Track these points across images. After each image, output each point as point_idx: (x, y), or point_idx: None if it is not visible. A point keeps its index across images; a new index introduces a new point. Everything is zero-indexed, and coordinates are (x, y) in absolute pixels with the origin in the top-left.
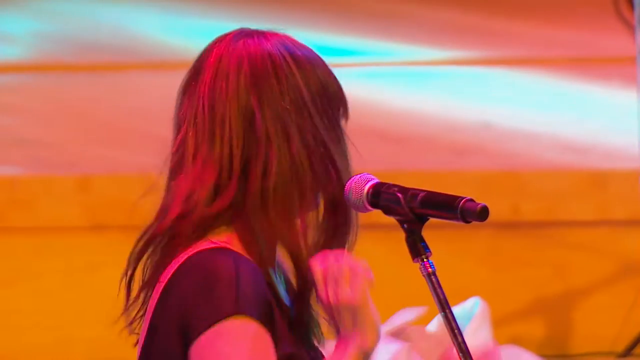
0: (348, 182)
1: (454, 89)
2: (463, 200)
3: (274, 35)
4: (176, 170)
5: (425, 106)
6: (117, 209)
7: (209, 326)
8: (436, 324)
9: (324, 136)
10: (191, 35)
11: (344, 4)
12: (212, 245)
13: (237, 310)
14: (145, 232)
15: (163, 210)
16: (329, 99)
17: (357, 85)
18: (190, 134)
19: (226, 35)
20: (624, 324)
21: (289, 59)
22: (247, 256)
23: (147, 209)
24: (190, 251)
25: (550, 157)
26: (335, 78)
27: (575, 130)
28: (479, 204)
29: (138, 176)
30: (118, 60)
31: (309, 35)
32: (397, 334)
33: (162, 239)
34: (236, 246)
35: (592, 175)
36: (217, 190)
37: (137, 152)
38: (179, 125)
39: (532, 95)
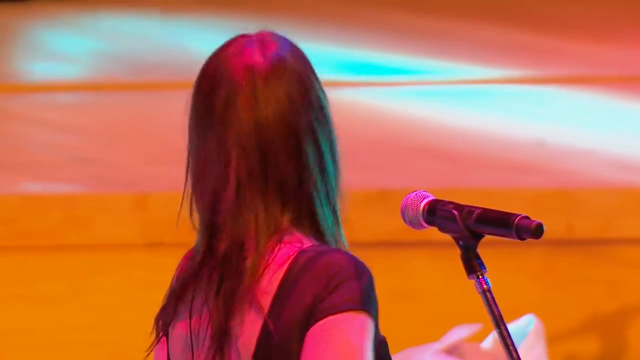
0: (403, 200)
1: (509, 107)
2: (518, 218)
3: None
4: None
5: (480, 124)
6: (174, 227)
7: (340, 312)
8: (491, 341)
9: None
10: None
11: (399, 23)
12: (310, 244)
13: (363, 306)
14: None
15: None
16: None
17: (412, 104)
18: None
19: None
20: None
21: None
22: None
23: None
24: (287, 253)
25: (604, 175)
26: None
27: (629, 148)
28: (534, 221)
29: None
30: (174, 78)
31: (366, 53)
32: (452, 351)
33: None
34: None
35: None
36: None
37: None
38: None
39: (586, 113)
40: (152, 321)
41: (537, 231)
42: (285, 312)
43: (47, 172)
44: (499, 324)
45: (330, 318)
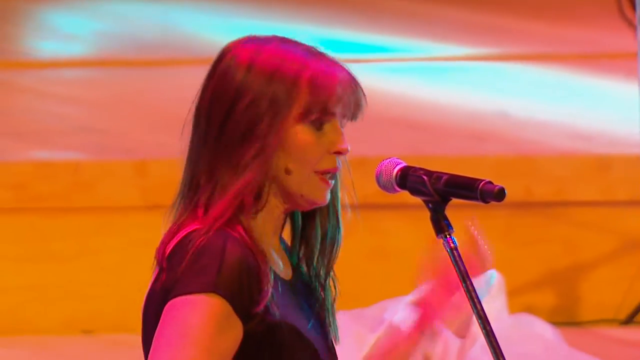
0: (378, 166)
1: (473, 82)
2: (482, 183)
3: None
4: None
5: (447, 97)
6: (171, 191)
7: (184, 294)
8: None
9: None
10: (235, 34)
11: (374, 6)
12: (201, 226)
13: (214, 289)
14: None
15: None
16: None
17: (385, 79)
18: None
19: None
20: (626, 294)
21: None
22: (248, 239)
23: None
24: (187, 229)
25: (560, 144)
26: (300, 87)
27: (583, 119)
28: (497, 186)
29: None
30: (171, 56)
31: (342, 34)
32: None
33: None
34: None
35: (598, 160)
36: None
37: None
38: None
39: (544, 87)
40: (151, 276)
41: (499, 195)
42: (158, 283)
43: (55, 141)
44: (465, 279)
45: (180, 298)
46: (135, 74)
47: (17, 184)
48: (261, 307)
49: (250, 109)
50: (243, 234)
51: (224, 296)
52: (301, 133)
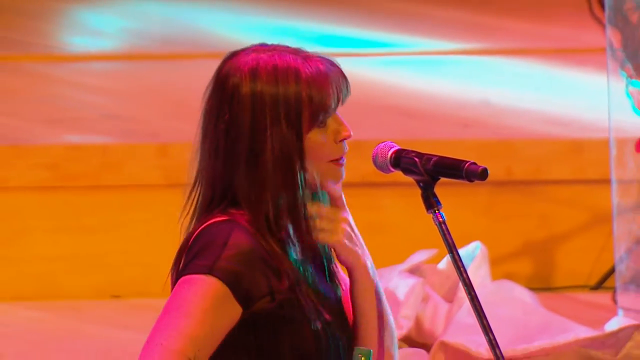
0: (374, 149)
1: (459, 74)
2: (468, 164)
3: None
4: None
5: (436, 87)
6: (190, 171)
7: (187, 274)
8: (445, 263)
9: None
10: (246, 30)
11: (372, 6)
12: (225, 218)
13: (209, 271)
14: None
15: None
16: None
17: (381, 71)
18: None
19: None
20: (595, 262)
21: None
22: (250, 227)
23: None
24: (210, 221)
25: (537, 129)
26: (304, 89)
27: (557, 107)
28: (480, 166)
29: None
30: (189, 50)
31: (343, 31)
32: (414, 271)
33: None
34: (244, 219)
35: (571, 143)
36: (224, 186)
37: None
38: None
39: (522, 79)
40: (172, 246)
41: (482, 175)
42: (180, 265)
43: (86, 126)
44: (452, 249)
45: (184, 278)
46: (157, 67)
47: (52, 164)
48: (267, 290)
49: (273, 126)
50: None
51: (222, 279)
52: (313, 137)
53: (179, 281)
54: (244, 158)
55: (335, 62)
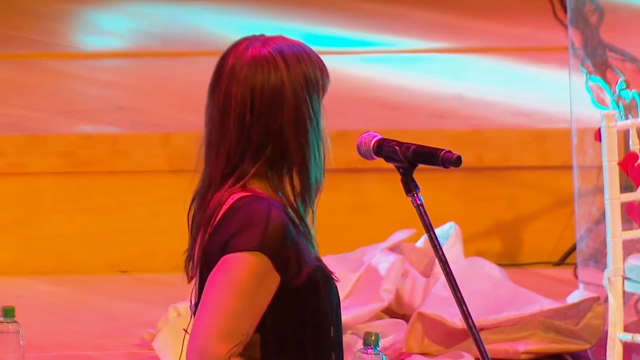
0: (358, 138)
1: (436, 70)
2: (443, 152)
3: (272, 40)
4: (212, 144)
5: (414, 82)
6: (191, 158)
7: (235, 251)
8: (423, 241)
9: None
10: (242, 30)
11: (355, 8)
12: (250, 193)
13: (259, 248)
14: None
15: (209, 174)
16: (309, 87)
17: (365, 68)
18: (214, 124)
19: (239, 44)
20: (558, 241)
21: (279, 58)
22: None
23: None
24: (235, 197)
25: (505, 120)
26: (316, 67)
27: (524, 100)
28: (455, 154)
29: None
30: (190, 49)
31: (329, 31)
32: (394, 248)
33: (213, 189)
34: (264, 193)
35: (536, 133)
36: (250, 159)
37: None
38: (207, 119)
39: (492, 74)
40: (175, 226)
41: (457, 162)
42: (213, 242)
43: (97, 118)
44: (429, 229)
45: (232, 255)
46: (161, 64)
47: (67, 152)
48: (298, 264)
49: (308, 97)
50: (283, 202)
51: (267, 254)
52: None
53: (227, 259)
54: (290, 127)
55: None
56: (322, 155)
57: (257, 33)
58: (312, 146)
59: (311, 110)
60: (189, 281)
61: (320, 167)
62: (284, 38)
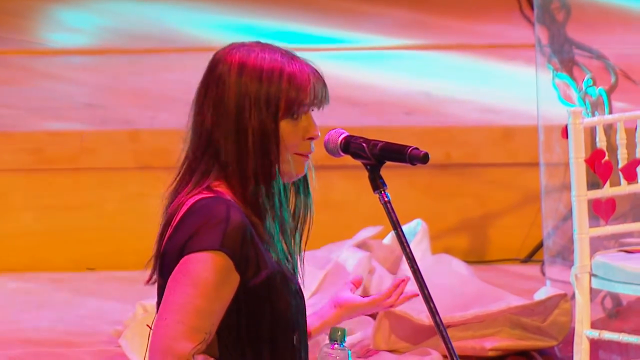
0: (326, 135)
1: (404, 67)
2: (411, 149)
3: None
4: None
5: (382, 79)
6: (158, 155)
7: (197, 251)
8: (390, 238)
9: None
10: (210, 27)
11: (324, 6)
12: (212, 194)
13: (220, 247)
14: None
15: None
16: (261, 102)
17: (333, 65)
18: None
19: (231, 45)
20: (525, 238)
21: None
22: (236, 202)
23: (179, 155)
24: (196, 198)
25: (473, 117)
26: (285, 84)
27: (491, 97)
28: (422, 151)
29: (174, 131)
30: (159, 46)
31: (298, 28)
32: (361, 245)
33: (180, 189)
34: (228, 195)
35: (503, 130)
36: (209, 160)
37: (172, 113)
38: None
39: (459, 71)
40: (142, 223)
41: (424, 159)
42: (173, 242)
43: (65, 114)
44: (396, 226)
45: (192, 255)
46: (129, 61)
47: (35, 149)
48: (256, 265)
49: (253, 109)
50: (239, 202)
51: (227, 254)
52: (285, 125)
53: (188, 258)
54: (231, 135)
55: (320, 71)
56: (271, 171)
57: (258, 39)
58: (255, 160)
59: (256, 125)
60: (146, 283)
61: (271, 182)
62: (269, 49)
